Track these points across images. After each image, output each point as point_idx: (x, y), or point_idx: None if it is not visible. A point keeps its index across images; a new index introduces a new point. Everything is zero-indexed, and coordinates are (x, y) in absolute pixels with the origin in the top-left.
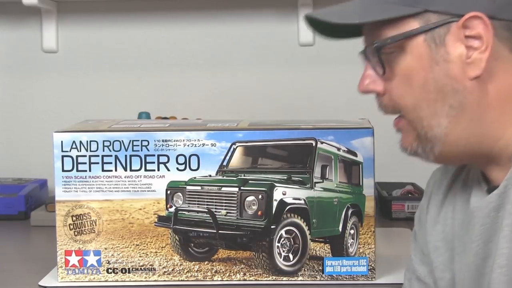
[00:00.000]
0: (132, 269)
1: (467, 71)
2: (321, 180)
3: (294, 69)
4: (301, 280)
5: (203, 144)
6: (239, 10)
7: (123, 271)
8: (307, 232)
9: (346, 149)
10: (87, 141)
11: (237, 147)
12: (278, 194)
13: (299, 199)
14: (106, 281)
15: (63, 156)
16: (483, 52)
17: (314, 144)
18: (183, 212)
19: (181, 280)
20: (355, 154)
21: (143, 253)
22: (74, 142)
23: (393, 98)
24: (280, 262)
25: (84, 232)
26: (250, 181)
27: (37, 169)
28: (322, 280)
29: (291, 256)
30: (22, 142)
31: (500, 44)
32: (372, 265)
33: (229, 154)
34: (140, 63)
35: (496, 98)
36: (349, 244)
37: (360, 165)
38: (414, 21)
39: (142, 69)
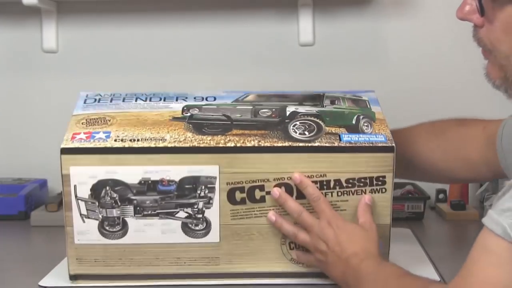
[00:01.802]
0: (141, 139)
1: None
2: (331, 105)
3: (294, 69)
4: (317, 145)
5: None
6: (239, 10)
7: (132, 140)
8: (322, 123)
9: (351, 95)
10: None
11: (250, 93)
12: (290, 108)
13: (311, 110)
14: (111, 147)
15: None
16: None
17: (322, 94)
18: (199, 115)
19: (193, 146)
20: (360, 97)
21: (154, 131)
22: (99, 94)
23: (489, 37)
24: (296, 135)
25: (96, 125)
26: (263, 104)
27: (37, 169)
28: (341, 144)
29: (306, 133)
30: (22, 142)
31: None
32: (390, 138)
33: (243, 95)
34: (140, 63)
35: None
36: (364, 129)
37: (367, 101)
38: None
39: (142, 69)
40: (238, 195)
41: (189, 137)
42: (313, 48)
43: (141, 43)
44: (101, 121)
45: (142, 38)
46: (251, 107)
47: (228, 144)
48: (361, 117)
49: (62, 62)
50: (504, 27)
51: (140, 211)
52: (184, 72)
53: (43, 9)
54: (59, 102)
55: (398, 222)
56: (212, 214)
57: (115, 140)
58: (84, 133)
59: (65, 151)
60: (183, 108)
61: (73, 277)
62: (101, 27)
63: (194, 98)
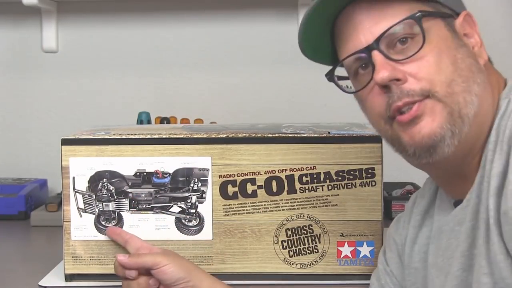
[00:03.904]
0: (138, 134)
1: (478, 59)
2: None
3: (294, 69)
4: (307, 136)
5: None
6: (239, 10)
7: (129, 134)
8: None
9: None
10: None
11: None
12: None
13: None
14: (109, 138)
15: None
16: (481, 45)
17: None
18: None
19: (186, 137)
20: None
21: (154, 130)
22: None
23: (424, 76)
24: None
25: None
26: None
27: (37, 169)
28: (330, 135)
29: (298, 130)
30: (22, 142)
31: None
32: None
33: None
34: (140, 63)
35: (495, 86)
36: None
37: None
38: (428, 7)
39: (142, 69)
40: (230, 189)
41: (185, 133)
42: None
43: (141, 43)
44: (103, 130)
45: (142, 38)
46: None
47: (221, 136)
48: None
49: (62, 62)
50: (436, 57)
51: (135, 205)
52: (184, 72)
53: (43, 9)
54: (59, 102)
55: None
56: (205, 209)
57: (114, 135)
58: (87, 132)
59: (65, 142)
60: None
61: (69, 277)
62: (101, 27)
63: None
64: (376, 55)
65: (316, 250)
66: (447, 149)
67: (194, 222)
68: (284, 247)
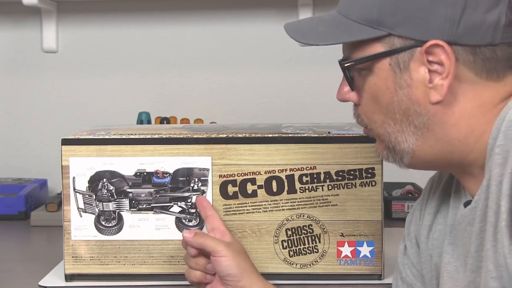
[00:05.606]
0: (138, 134)
1: (429, 96)
2: None
3: (294, 69)
4: (307, 136)
5: None
6: (239, 10)
7: (129, 134)
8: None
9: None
10: None
11: None
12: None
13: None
14: (109, 138)
15: None
16: (445, 78)
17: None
18: None
19: (186, 137)
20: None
21: (153, 130)
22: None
23: (362, 113)
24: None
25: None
26: None
27: (37, 169)
28: (330, 135)
29: (298, 130)
30: (22, 142)
31: (464, 68)
32: None
33: None
34: (140, 63)
35: (462, 118)
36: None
37: None
38: (378, 44)
39: (142, 69)
40: (231, 189)
41: (185, 133)
42: (313, 48)
43: (140, 43)
44: (103, 130)
45: (142, 38)
46: None
47: (221, 136)
48: None
49: (62, 62)
50: (371, 97)
51: (136, 205)
52: (184, 72)
53: (43, 9)
54: (59, 102)
55: (398, 222)
56: None
57: (114, 135)
58: (87, 132)
59: (65, 142)
60: None
61: (69, 277)
62: (101, 27)
63: None
64: (343, 73)
65: (316, 250)
66: (400, 167)
67: (194, 222)
68: (284, 247)
